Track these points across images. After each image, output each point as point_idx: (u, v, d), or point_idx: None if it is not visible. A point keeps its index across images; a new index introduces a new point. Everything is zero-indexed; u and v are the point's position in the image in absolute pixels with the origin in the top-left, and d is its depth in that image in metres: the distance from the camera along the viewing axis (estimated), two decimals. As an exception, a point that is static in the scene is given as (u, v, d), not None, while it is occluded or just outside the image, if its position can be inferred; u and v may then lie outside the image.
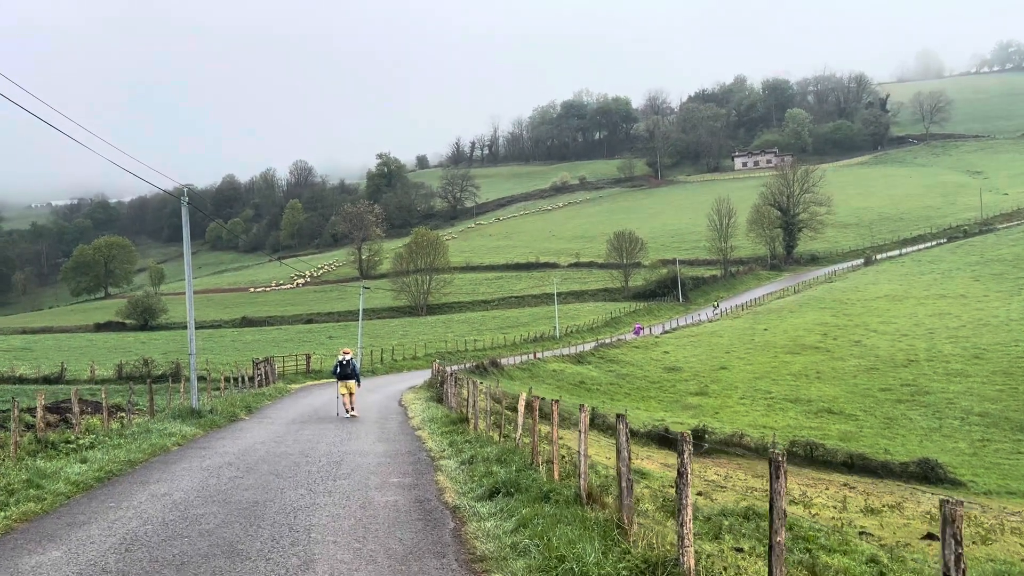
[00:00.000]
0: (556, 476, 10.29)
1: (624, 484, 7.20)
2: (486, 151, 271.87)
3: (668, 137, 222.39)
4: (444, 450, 15.26)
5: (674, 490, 17.95)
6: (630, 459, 7.19)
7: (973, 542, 14.70)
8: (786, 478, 4.54)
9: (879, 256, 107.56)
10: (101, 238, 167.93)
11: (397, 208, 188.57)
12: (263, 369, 39.20)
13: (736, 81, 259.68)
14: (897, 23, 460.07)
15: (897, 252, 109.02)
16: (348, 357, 23.53)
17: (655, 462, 26.58)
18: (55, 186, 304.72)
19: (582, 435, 8.70)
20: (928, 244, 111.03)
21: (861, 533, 13.59)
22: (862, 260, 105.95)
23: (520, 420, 13.52)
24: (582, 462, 8.63)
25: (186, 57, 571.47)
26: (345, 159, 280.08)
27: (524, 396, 13.67)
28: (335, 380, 24.31)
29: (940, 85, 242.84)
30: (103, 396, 20.63)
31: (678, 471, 5.73)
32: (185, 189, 24.96)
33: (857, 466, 32.69)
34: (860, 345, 62.55)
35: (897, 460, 33.93)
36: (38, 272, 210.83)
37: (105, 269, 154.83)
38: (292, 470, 13.51)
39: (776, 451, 4.98)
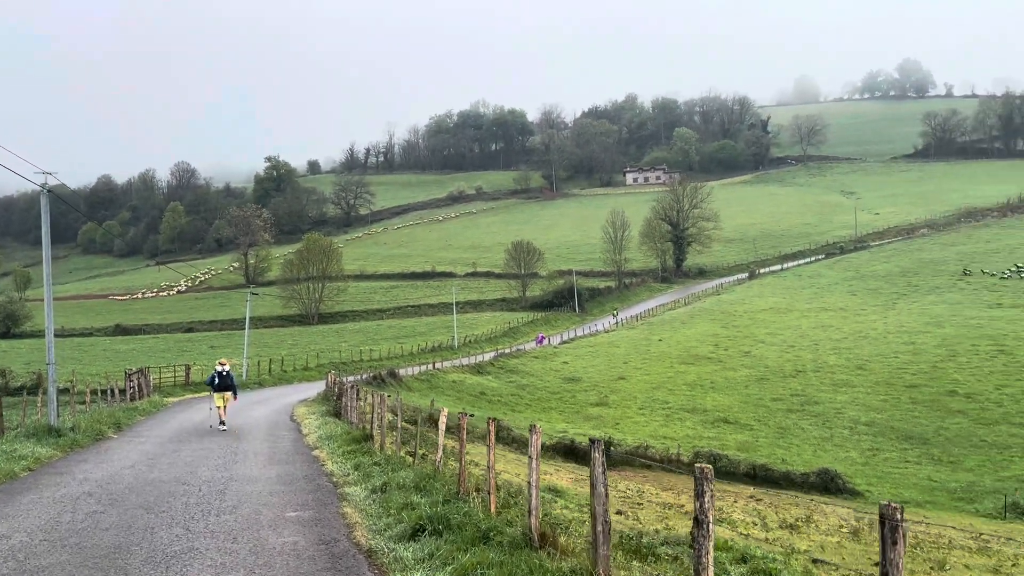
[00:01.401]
0: (493, 509, 8.75)
1: (600, 528, 5.74)
2: (381, 158, 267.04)
3: (563, 151, 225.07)
4: (348, 474, 13.40)
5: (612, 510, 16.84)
6: (607, 495, 5.77)
7: (931, 568, 14.18)
8: (905, 542, 3.22)
9: (762, 270, 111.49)
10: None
11: (287, 213, 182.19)
12: (137, 381, 35.77)
13: (627, 99, 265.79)
14: (776, 49, 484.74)
15: (779, 267, 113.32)
16: (225, 368, 23.76)
17: (564, 477, 25.49)
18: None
19: (533, 461, 7.22)
20: (808, 260, 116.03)
21: (816, 561, 12.77)
22: (747, 274, 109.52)
23: (441, 440, 11.93)
24: (533, 495, 7.12)
25: (60, 49, 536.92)
26: (232, 162, 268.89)
27: (445, 412, 12.13)
28: (210, 392, 24.10)
29: (816, 109, 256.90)
30: (-63, 413, 17.68)
31: (695, 518, 4.33)
32: (47, 177, 22.04)
33: (760, 477, 32.71)
34: (750, 356, 63.96)
35: (798, 471, 34.21)
36: None
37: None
38: (166, 502, 11.43)
39: (893, 505, 3.62)
